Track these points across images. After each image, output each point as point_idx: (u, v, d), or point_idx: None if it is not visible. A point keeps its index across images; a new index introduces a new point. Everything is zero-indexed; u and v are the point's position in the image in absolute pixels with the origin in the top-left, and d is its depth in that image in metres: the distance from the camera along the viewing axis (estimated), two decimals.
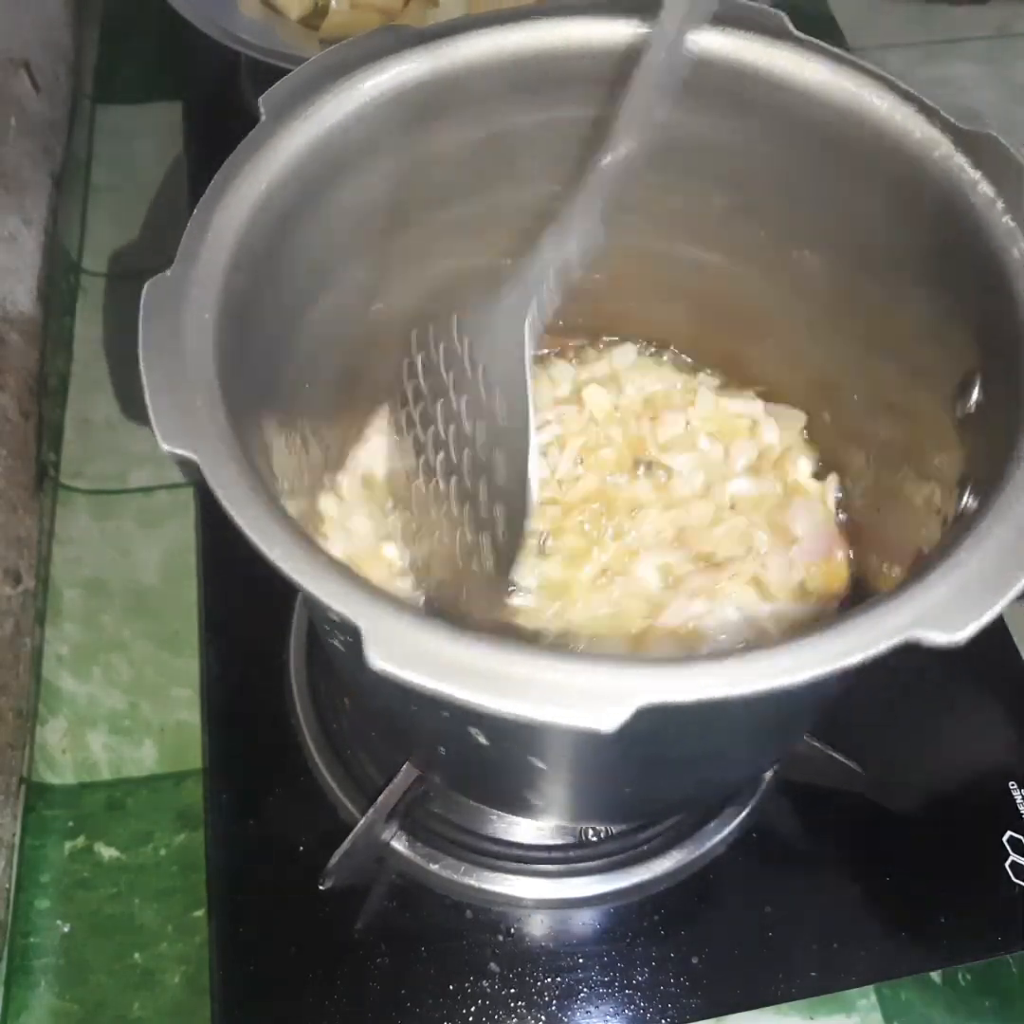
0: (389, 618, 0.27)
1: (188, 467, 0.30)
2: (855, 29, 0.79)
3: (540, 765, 0.37)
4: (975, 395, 0.36)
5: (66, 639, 0.62)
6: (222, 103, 0.86)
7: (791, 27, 0.39)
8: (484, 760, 0.41)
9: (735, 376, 0.57)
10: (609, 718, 0.25)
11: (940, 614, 0.26)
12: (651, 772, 0.41)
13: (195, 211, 0.36)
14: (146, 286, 0.34)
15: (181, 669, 0.60)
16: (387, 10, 0.77)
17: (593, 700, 0.25)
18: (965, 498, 0.36)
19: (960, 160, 0.36)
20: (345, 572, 0.28)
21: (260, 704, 0.56)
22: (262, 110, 0.39)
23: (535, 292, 0.41)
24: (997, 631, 0.58)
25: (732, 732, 0.37)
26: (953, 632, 0.26)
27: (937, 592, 0.27)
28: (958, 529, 0.30)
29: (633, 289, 0.53)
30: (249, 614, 0.58)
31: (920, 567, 0.28)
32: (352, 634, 0.26)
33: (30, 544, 0.63)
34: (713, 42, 0.40)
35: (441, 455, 0.44)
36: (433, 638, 0.26)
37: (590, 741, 0.27)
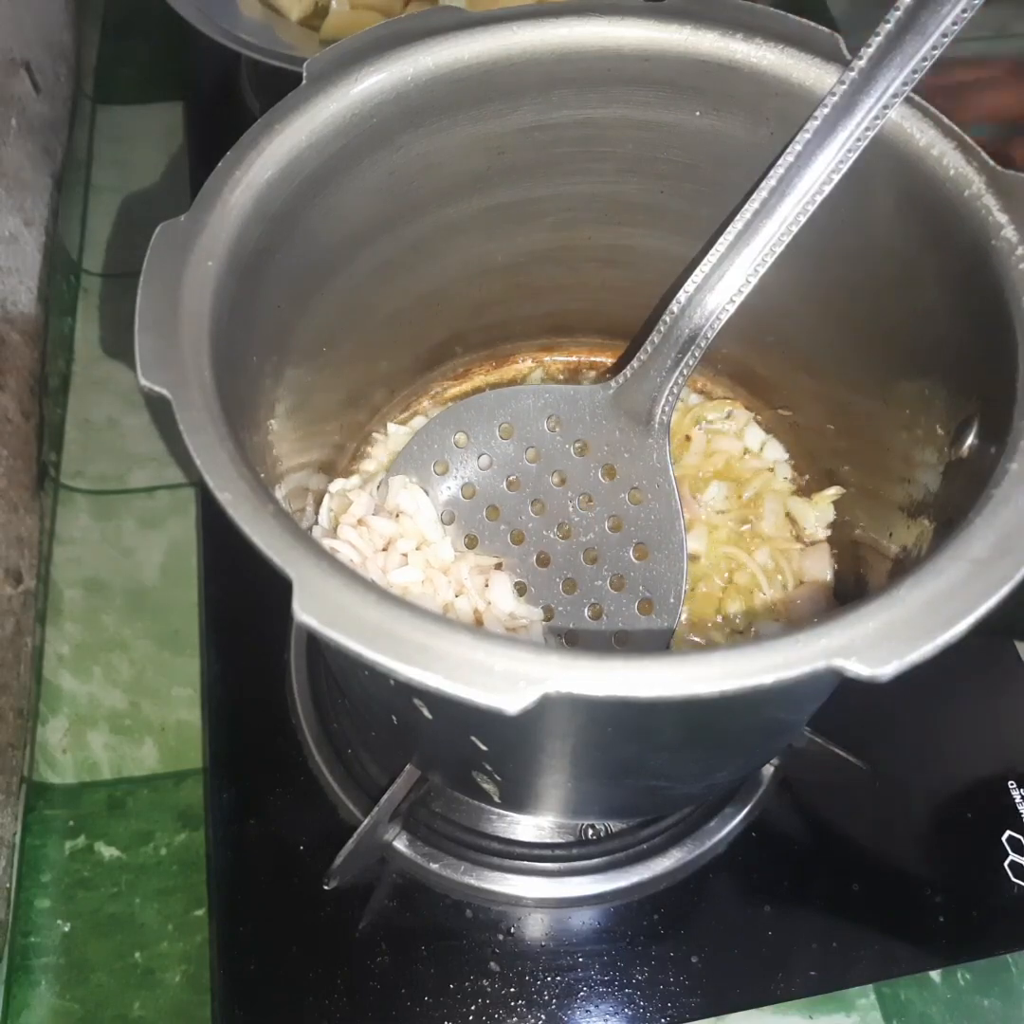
0: (322, 574, 0.27)
1: (162, 405, 0.30)
2: (854, 29, 0.79)
3: (482, 746, 0.37)
4: (969, 439, 0.36)
5: (67, 639, 0.62)
6: (222, 103, 0.87)
7: (845, 50, 0.39)
8: (438, 739, 0.42)
9: (743, 385, 0.58)
10: (514, 700, 0.25)
11: (867, 648, 0.26)
12: (590, 768, 0.41)
13: (219, 164, 0.36)
14: (158, 228, 0.34)
15: (182, 669, 0.60)
16: (387, 11, 0.77)
17: (503, 681, 0.25)
18: (934, 535, 0.36)
19: (990, 201, 0.35)
20: (289, 525, 0.29)
21: (260, 704, 0.56)
22: (305, 75, 0.39)
23: (666, 380, 0.45)
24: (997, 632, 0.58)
25: (663, 737, 0.37)
26: (877, 668, 0.25)
27: (868, 626, 0.26)
28: (907, 564, 0.30)
29: (647, 293, 0.53)
30: (249, 614, 0.58)
31: (856, 600, 0.27)
32: (286, 586, 0.27)
33: (31, 544, 0.63)
34: (764, 57, 0.40)
35: (503, 528, 0.49)
36: (362, 601, 0.27)
37: (513, 724, 0.27)
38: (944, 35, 0.36)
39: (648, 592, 0.47)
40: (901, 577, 0.28)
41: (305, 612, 0.26)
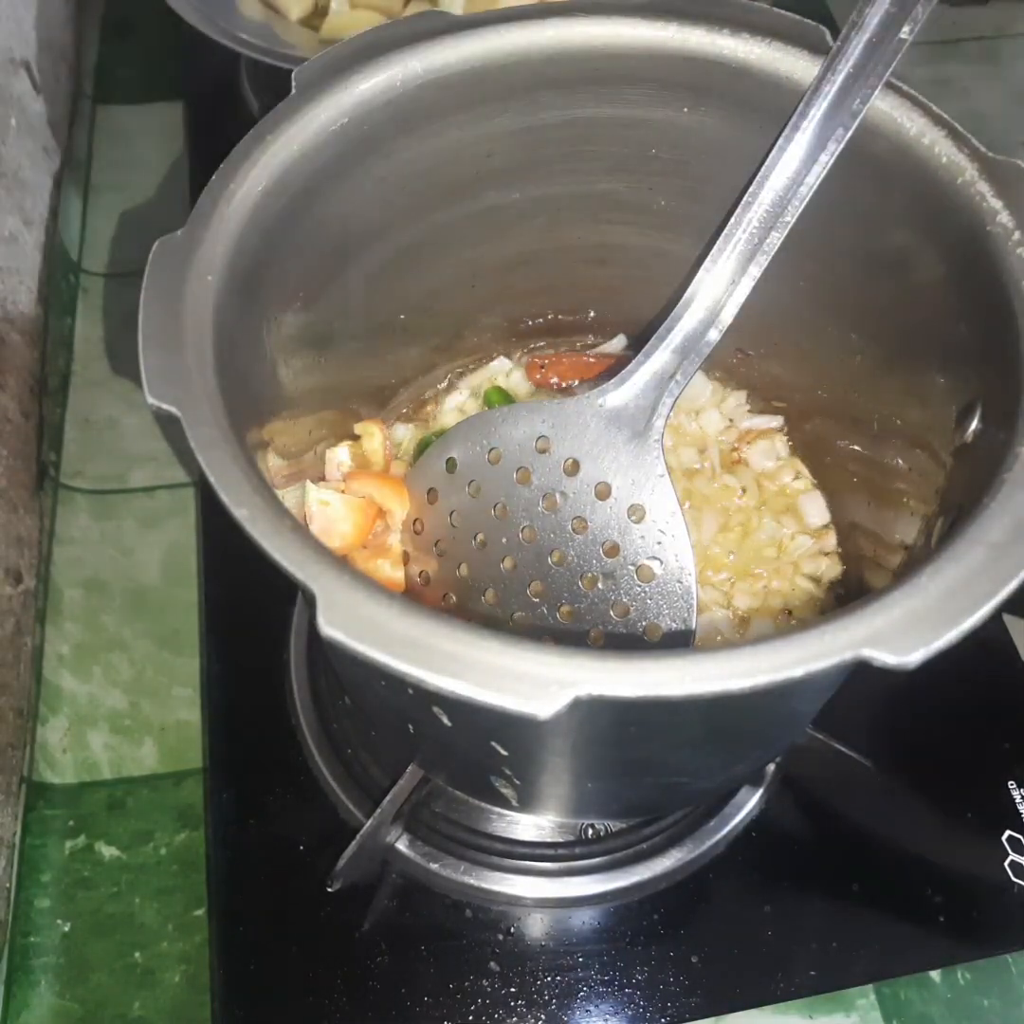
0: (345, 587, 0.27)
1: (171, 423, 0.30)
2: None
3: (502, 751, 0.37)
4: (973, 425, 0.36)
5: (67, 638, 0.62)
6: (222, 103, 0.86)
7: (831, 42, 0.38)
8: (454, 744, 0.41)
9: (734, 378, 0.57)
10: (545, 705, 0.25)
11: (893, 636, 0.26)
12: (612, 768, 0.41)
13: (213, 177, 0.36)
14: (155, 244, 0.34)
15: (181, 668, 0.60)
16: (387, 11, 0.77)
17: (532, 686, 0.25)
18: (945, 522, 0.36)
19: (983, 188, 0.35)
20: (308, 539, 0.28)
21: (260, 704, 0.56)
22: (294, 84, 0.39)
23: (663, 387, 0.43)
24: (997, 631, 0.58)
25: (688, 733, 0.37)
26: (903, 655, 0.25)
27: (892, 614, 0.26)
28: (926, 552, 0.30)
29: (640, 292, 0.53)
30: (249, 614, 0.58)
31: (880, 588, 0.28)
32: (309, 600, 0.27)
33: (31, 544, 0.63)
34: (751, 51, 0.40)
35: (503, 540, 0.47)
36: (386, 612, 0.27)
37: (538, 729, 0.26)
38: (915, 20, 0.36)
39: (655, 615, 0.44)
40: (921, 565, 0.28)
41: (330, 626, 0.26)
